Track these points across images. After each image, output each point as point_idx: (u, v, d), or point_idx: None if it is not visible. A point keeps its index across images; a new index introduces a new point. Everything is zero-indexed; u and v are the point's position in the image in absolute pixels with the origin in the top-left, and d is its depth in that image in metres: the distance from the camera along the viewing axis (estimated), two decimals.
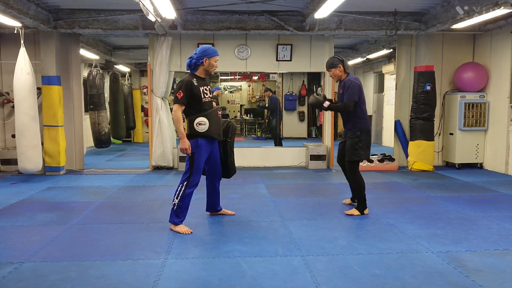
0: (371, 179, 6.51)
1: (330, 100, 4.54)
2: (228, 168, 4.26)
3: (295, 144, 9.27)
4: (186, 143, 3.75)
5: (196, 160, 3.84)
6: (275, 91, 14.01)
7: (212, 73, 4.00)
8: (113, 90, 10.80)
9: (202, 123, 3.81)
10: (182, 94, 3.72)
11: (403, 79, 7.76)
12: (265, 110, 14.15)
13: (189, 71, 3.93)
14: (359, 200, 4.49)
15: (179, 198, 3.84)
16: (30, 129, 6.36)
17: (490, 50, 7.31)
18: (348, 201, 4.94)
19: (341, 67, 4.39)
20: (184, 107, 3.78)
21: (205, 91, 3.87)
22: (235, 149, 4.36)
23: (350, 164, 4.49)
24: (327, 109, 4.47)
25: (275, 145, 9.65)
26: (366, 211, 4.48)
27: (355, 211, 4.46)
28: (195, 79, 3.82)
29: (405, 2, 6.44)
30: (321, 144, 7.94)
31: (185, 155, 3.87)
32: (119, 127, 11.18)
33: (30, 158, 6.39)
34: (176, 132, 9.13)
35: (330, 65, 4.44)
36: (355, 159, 4.43)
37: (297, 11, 6.82)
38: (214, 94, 4.10)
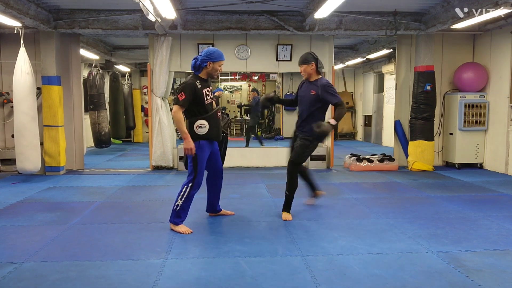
0: (371, 179, 6.51)
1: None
2: (222, 159, 4.30)
3: None
4: (191, 143, 3.75)
5: (200, 161, 3.84)
6: (274, 91, 14.02)
7: (215, 77, 4.02)
8: (113, 90, 10.81)
9: (202, 126, 3.81)
10: (184, 97, 3.71)
11: (403, 79, 7.76)
12: (265, 110, 14.18)
13: (193, 71, 3.94)
14: (287, 200, 4.35)
15: (183, 199, 3.85)
16: (29, 129, 6.36)
17: (490, 50, 7.31)
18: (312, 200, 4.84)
19: (314, 65, 4.18)
20: (184, 109, 3.78)
21: (207, 93, 3.88)
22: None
23: (293, 165, 4.31)
24: (335, 125, 4.14)
25: (245, 146, 9.69)
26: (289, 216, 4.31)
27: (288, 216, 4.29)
28: (198, 81, 3.82)
29: (405, 2, 6.45)
30: (321, 144, 7.93)
31: (187, 155, 3.86)
32: (119, 127, 11.18)
33: (29, 158, 6.38)
34: (177, 132, 9.22)
35: (303, 61, 4.22)
36: (299, 162, 4.31)
37: (297, 11, 6.82)
38: (215, 94, 4.10)
